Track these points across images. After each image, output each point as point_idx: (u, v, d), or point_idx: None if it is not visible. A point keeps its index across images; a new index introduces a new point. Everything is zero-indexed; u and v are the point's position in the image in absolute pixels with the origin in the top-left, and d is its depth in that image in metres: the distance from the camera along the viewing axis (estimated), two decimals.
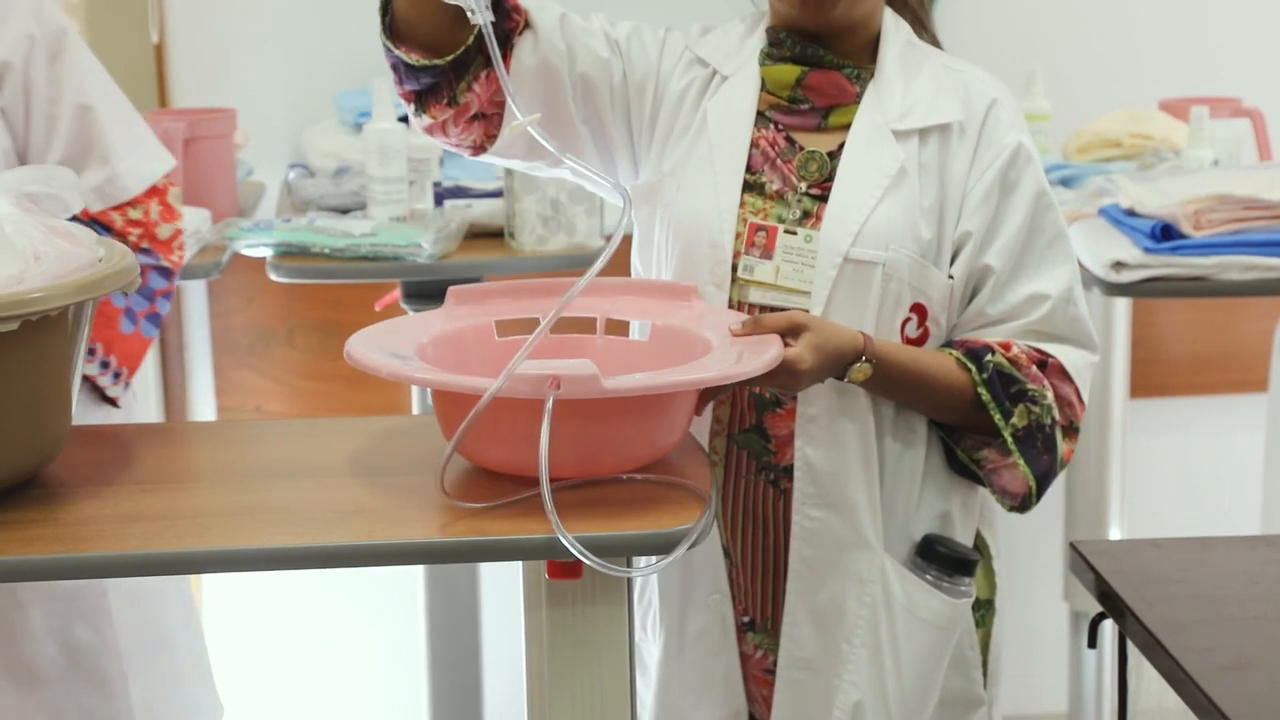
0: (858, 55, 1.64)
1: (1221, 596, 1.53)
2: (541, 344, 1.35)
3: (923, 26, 1.72)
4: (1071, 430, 1.63)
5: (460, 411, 1.32)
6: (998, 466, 1.62)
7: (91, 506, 1.36)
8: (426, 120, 1.60)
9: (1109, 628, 1.56)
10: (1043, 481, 1.62)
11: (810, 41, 1.63)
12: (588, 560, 1.27)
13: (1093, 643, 1.60)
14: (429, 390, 2.52)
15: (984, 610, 1.70)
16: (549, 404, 1.28)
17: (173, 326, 2.93)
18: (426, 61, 1.55)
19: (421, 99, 1.58)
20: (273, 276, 2.36)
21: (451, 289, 1.56)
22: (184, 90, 2.93)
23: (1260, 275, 2.26)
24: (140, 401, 2.76)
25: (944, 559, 1.62)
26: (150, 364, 2.81)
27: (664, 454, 1.43)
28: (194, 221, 2.35)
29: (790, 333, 1.48)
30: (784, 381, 1.49)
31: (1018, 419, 1.59)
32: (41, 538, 1.28)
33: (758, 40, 1.67)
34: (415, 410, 2.59)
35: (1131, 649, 1.50)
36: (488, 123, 1.60)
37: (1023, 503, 1.63)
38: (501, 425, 1.33)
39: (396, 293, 2.52)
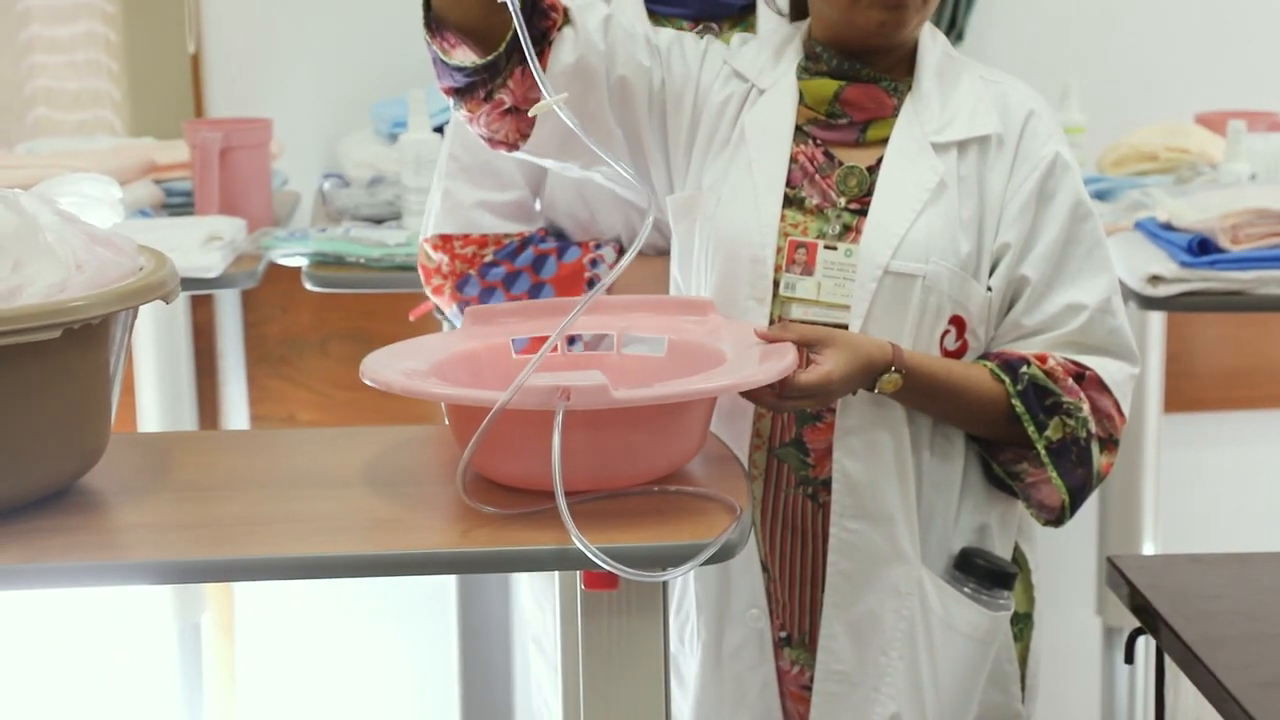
0: (895, 69, 1.64)
1: (1261, 612, 1.51)
2: (557, 360, 1.36)
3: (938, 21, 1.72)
4: (1110, 443, 1.62)
5: (474, 426, 1.33)
6: (1036, 480, 1.61)
7: (131, 514, 1.37)
8: (464, 114, 1.61)
9: (1143, 643, 1.56)
10: (1077, 495, 1.61)
11: (848, 56, 1.62)
12: (613, 568, 1.26)
13: (1129, 658, 1.59)
14: None
15: (1022, 624, 1.69)
16: (559, 415, 1.28)
17: (206, 335, 2.95)
18: (463, 63, 1.56)
19: (460, 94, 1.59)
20: (308, 286, 2.37)
21: (469, 309, 1.57)
22: (220, 100, 2.94)
23: None
24: (174, 410, 2.78)
25: (982, 572, 1.62)
26: (184, 372, 2.82)
27: (680, 465, 1.43)
28: (229, 231, 2.36)
29: (817, 346, 1.48)
30: (817, 396, 1.49)
31: (1052, 431, 1.58)
32: (82, 545, 1.29)
33: (795, 53, 1.67)
34: (448, 420, 2.59)
35: (1169, 664, 1.49)
36: (521, 119, 1.59)
37: (1057, 517, 1.62)
38: (514, 439, 1.34)
39: (430, 303, 2.52)
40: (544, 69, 1.54)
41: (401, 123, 2.64)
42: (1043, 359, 1.59)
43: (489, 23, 1.53)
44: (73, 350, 1.30)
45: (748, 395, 1.51)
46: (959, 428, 1.62)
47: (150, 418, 2.73)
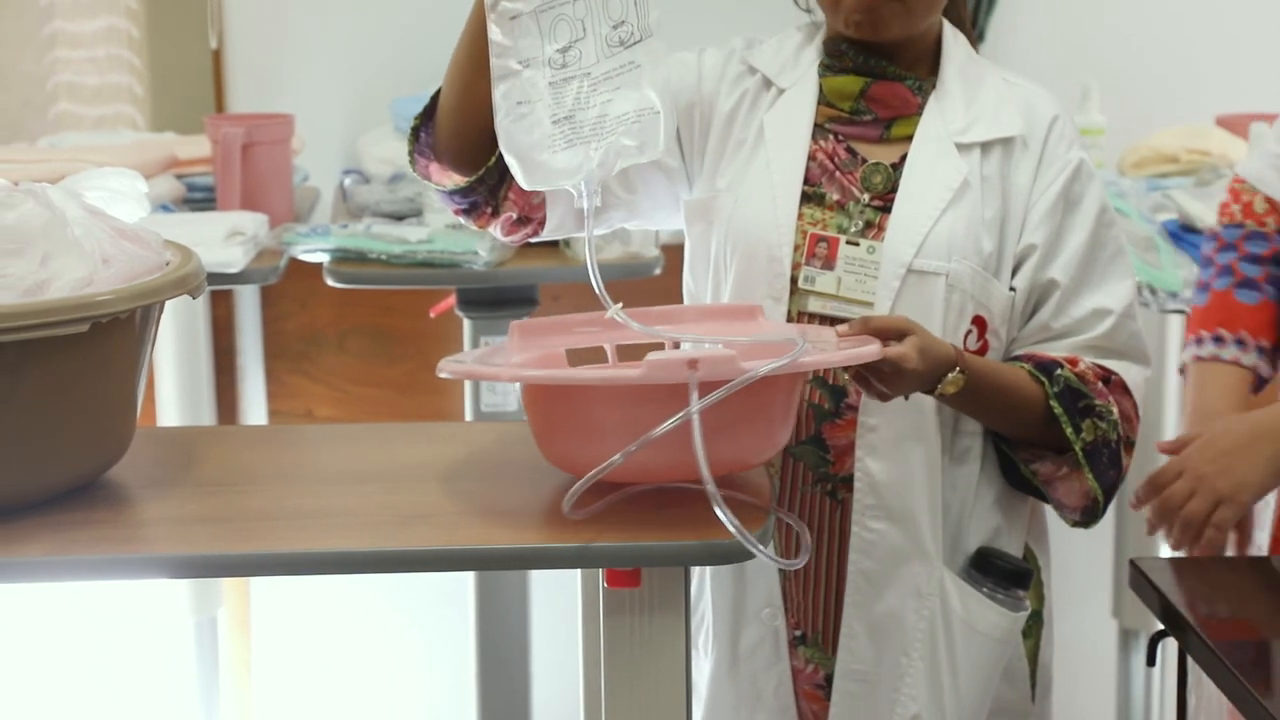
0: (918, 66, 1.64)
1: None
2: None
3: (959, 23, 1.71)
4: (1129, 445, 1.63)
5: (562, 412, 1.32)
6: (1052, 479, 1.61)
7: (156, 508, 1.38)
8: (477, 227, 1.67)
9: (1162, 646, 1.55)
10: (1109, 495, 1.62)
11: (871, 53, 1.63)
12: (760, 553, 1.26)
13: (1152, 660, 1.59)
14: (483, 397, 2.54)
15: (1032, 621, 1.69)
16: (693, 385, 1.26)
17: (225, 330, 2.96)
18: (458, 184, 1.60)
19: (466, 214, 1.65)
20: (330, 282, 2.38)
21: (514, 324, 1.55)
22: (242, 96, 2.95)
23: None
24: (193, 404, 2.79)
25: (1000, 571, 1.62)
26: (203, 367, 2.83)
27: (766, 457, 1.41)
28: (251, 226, 2.37)
29: (896, 335, 1.47)
30: (891, 381, 1.47)
31: (1086, 433, 1.59)
32: (108, 538, 1.29)
33: (815, 51, 1.67)
34: (468, 416, 2.60)
35: (1191, 667, 1.49)
36: (530, 224, 1.65)
37: (1087, 517, 1.63)
38: (602, 422, 1.32)
39: (451, 300, 2.53)
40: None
41: None
42: (1073, 362, 1.60)
43: (478, 153, 1.56)
44: (100, 344, 1.31)
45: (862, 381, 1.48)
46: (995, 428, 1.63)
47: (169, 412, 2.74)
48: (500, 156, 1.52)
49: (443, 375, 1.40)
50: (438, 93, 1.60)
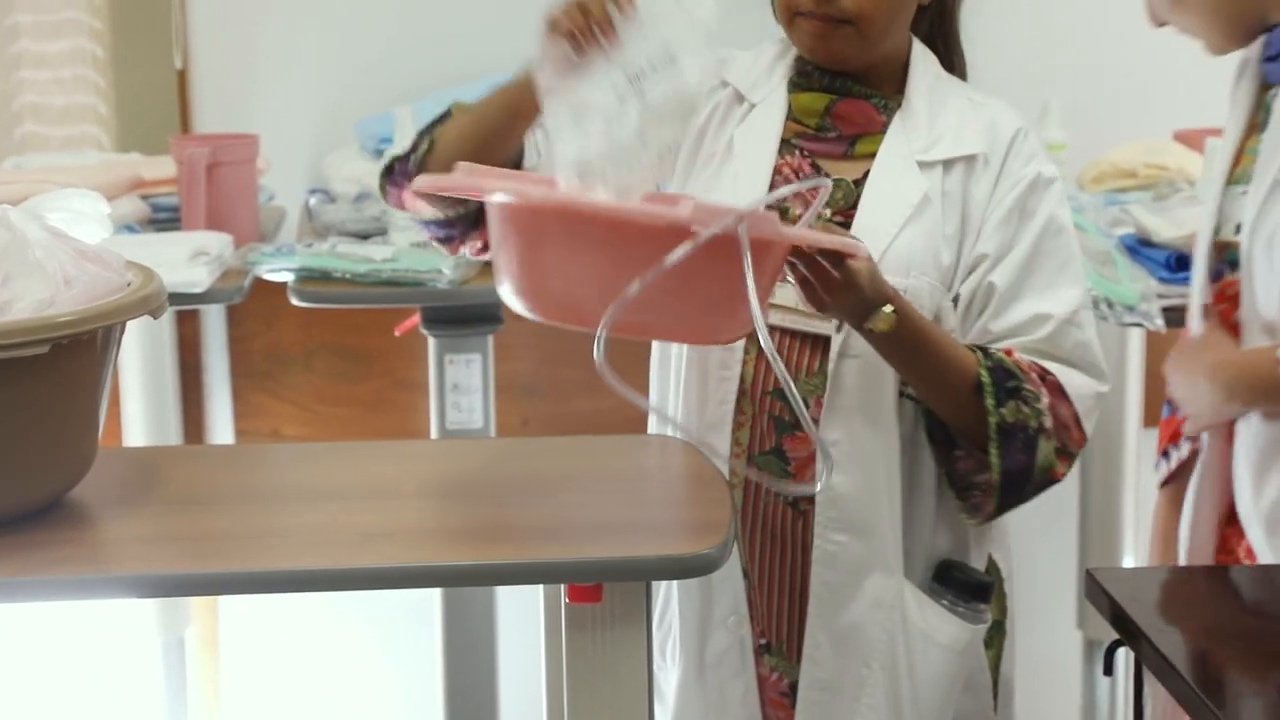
0: (886, 86, 1.67)
1: (1238, 625, 1.53)
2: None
3: (952, 53, 1.73)
4: (1065, 454, 1.61)
5: (570, 245, 1.32)
6: (971, 469, 1.61)
7: (119, 527, 1.38)
8: (449, 251, 1.69)
9: (1123, 656, 1.57)
10: (1010, 483, 1.59)
11: (838, 73, 1.65)
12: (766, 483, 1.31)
13: (1109, 669, 1.60)
14: (449, 415, 2.54)
15: (993, 632, 1.71)
16: (743, 235, 1.29)
17: (191, 349, 2.96)
18: (438, 216, 1.62)
19: (443, 241, 1.67)
20: (295, 301, 2.38)
21: (461, 164, 1.50)
22: (208, 116, 2.95)
23: None
24: (159, 424, 2.78)
25: (961, 584, 1.64)
26: (169, 388, 2.83)
27: (738, 335, 1.43)
28: (216, 246, 2.37)
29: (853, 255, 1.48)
30: (836, 293, 1.46)
31: (1008, 413, 1.57)
32: (71, 558, 1.30)
33: (787, 66, 1.69)
34: (434, 434, 2.61)
35: (1147, 676, 1.50)
36: None
37: (988, 508, 1.61)
38: (615, 260, 1.31)
39: (416, 318, 2.54)
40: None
41: (387, 139, 2.65)
42: (1009, 352, 1.60)
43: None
44: (61, 365, 1.31)
45: (806, 286, 1.48)
46: (922, 394, 1.60)
47: (135, 432, 2.74)
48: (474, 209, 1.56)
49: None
50: (423, 133, 1.61)
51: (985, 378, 1.57)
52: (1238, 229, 1.81)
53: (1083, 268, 1.67)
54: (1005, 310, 1.61)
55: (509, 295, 1.41)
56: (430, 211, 1.64)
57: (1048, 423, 1.58)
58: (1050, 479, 1.60)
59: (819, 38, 1.60)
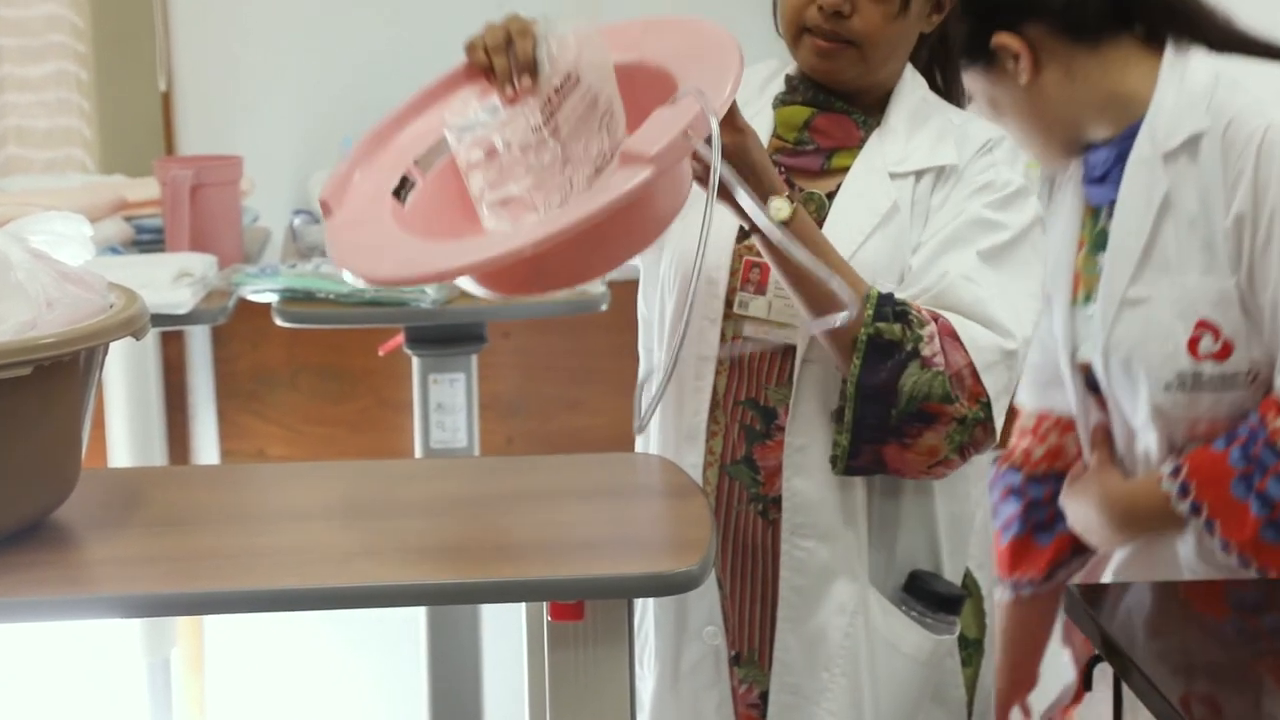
0: (870, 106, 1.68)
1: (1217, 640, 1.54)
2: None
3: (953, 84, 1.74)
4: (958, 400, 1.51)
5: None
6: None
7: (102, 548, 1.38)
8: None
9: (1104, 671, 1.58)
10: (863, 396, 1.52)
11: (824, 90, 1.67)
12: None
13: (1088, 685, 1.62)
14: (433, 434, 2.55)
15: (971, 650, 1.72)
16: (714, 137, 1.30)
17: (176, 370, 2.96)
18: None
19: None
20: (278, 321, 2.39)
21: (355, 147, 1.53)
22: (192, 138, 2.96)
23: None
24: (144, 445, 2.79)
25: (929, 595, 1.65)
26: (154, 409, 2.83)
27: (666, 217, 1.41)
28: (200, 267, 2.38)
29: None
30: (735, 136, 1.46)
31: (885, 328, 1.51)
32: (53, 579, 1.30)
33: (777, 86, 1.71)
34: (418, 453, 2.61)
35: (1127, 693, 1.51)
36: None
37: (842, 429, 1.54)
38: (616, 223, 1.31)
39: (400, 338, 2.55)
40: None
41: None
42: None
43: None
44: (43, 387, 1.31)
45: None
46: (805, 307, 1.54)
47: (120, 453, 2.74)
48: None
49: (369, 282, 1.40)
50: None
51: (873, 293, 1.53)
52: None
53: (1021, 268, 1.59)
54: (911, 284, 1.58)
55: (469, 285, 1.43)
56: None
57: (926, 350, 1.51)
58: (929, 413, 1.51)
59: (823, 56, 1.61)
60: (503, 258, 1.29)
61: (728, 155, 1.40)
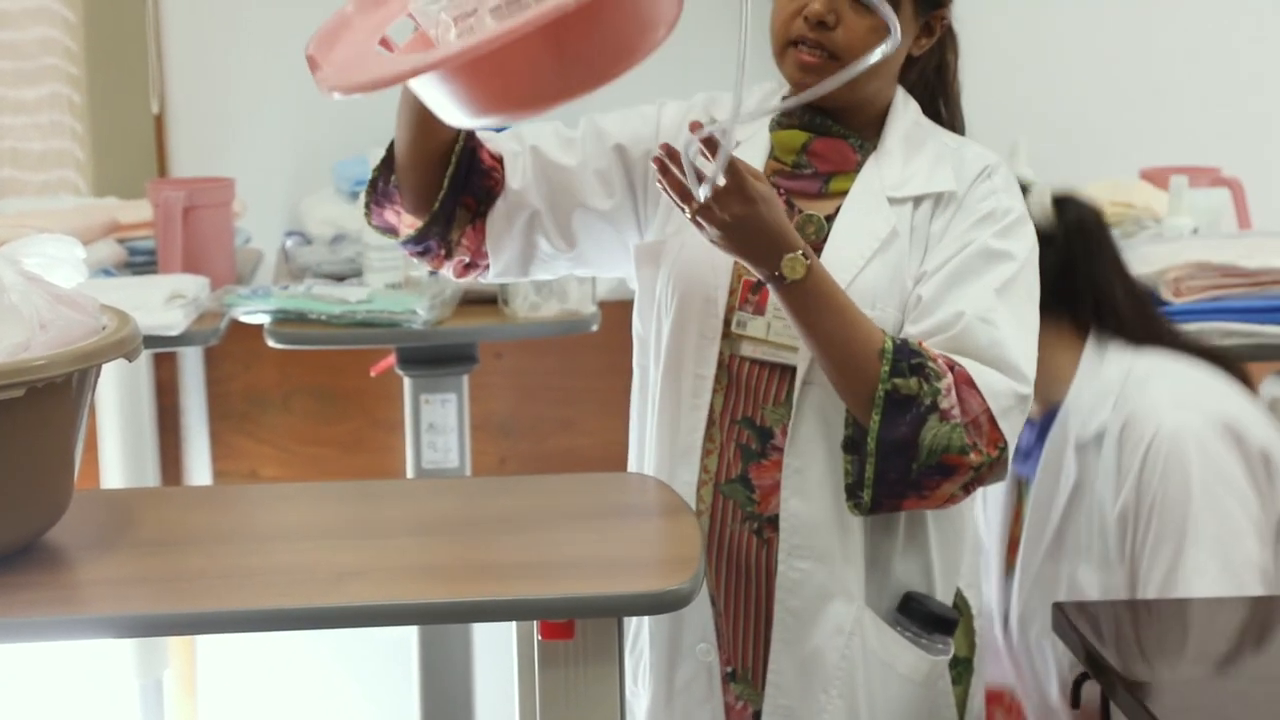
0: (865, 129, 1.69)
1: (1202, 656, 1.55)
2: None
3: (953, 114, 1.76)
4: (976, 449, 1.54)
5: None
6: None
7: (94, 569, 1.39)
8: (430, 267, 1.75)
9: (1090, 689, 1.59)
10: (884, 452, 1.53)
11: (820, 112, 1.68)
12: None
13: (1076, 703, 1.62)
14: (424, 454, 2.55)
15: (961, 669, 1.73)
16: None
17: (169, 392, 2.96)
18: (409, 234, 1.68)
19: (421, 256, 1.72)
20: (271, 342, 2.39)
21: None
22: (185, 160, 2.97)
23: (1238, 341, 2.30)
24: (137, 466, 2.79)
25: (924, 616, 1.66)
26: (147, 430, 2.84)
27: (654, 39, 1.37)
28: (192, 289, 2.39)
29: (758, 181, 1.50)
30: (734, 208, 1.48)
31: (901, 383, 1.53)
32: (45, 600, 1.30)
33: (774, 104, 1.72)
34: (410, 473, 2.62)
35: (1113, 710, 1.52)
36: (478, 268, 1.74)
37: (863, 483, 1.55)
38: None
39: (392, 358, 2.56)
40: (484, 230, 1.70)
41: (363, 181, 2.62)
42: (920, 343, 1.57)
43: (430, 194, 1.64)
44: (36, 408, 1.32)
45: (706, 214, 1.49)
46: (825, 364, 1.56)
47: (113, 474, 2.74)
48: (445, 199, 1.62)
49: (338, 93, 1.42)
50: (393, 143, 1.68)
51: (888, 345, 1.54)
52: None
53: (1027, 298, 1.62)
54: (923, 317, 1.60)
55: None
56: (406, 229, 1.67)
57: (944, 404, 1.53)
58: (948, 466, 1.53)
59: (806, 70, 1.62)
60: (518, 29, 1.25)
61: (741, 224, 1.48)
